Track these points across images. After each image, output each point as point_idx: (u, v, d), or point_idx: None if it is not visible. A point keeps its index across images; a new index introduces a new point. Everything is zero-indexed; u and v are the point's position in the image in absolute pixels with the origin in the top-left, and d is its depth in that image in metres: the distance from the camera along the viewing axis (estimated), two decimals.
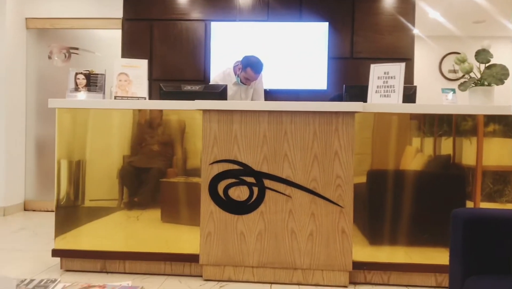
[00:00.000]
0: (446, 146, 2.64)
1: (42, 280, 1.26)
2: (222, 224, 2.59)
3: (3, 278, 0.89)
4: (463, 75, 3.25)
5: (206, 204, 2.61)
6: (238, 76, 3.86)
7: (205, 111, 2.64)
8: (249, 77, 3.80)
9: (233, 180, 2.60)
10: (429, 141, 2.67)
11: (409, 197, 2.59)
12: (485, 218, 1.42)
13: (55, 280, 1.27)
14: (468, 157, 2.63)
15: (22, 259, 2.99)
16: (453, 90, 3.17)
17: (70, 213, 2.79)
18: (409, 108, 2.64)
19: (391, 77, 2.73)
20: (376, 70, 2.78)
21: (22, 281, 1.23)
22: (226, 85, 3.12)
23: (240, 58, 3.85)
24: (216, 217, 2.60)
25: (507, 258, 1.42)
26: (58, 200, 2.79)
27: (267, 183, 2.58)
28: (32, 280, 1.24)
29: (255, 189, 2.58)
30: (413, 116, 2.64)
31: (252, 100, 4.01)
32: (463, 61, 2.85)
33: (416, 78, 4.82)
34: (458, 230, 1.41)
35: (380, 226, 2.60)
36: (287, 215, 2.56)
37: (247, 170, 2.59)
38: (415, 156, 2.72)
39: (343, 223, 2.53)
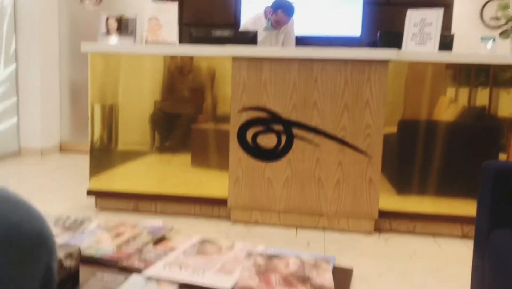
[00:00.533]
0: (481, 97, 2.57)
1: (77, 219, 1.32)
2: (249, 170, 2.64)
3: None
4: (506, 23, 3.09)
5: (235, 150, 2.64)
6: (268, 20, 3.78)
7: (234, 58, 2.62)
8: (280, 20, 3.71)
9: (261, 128, 2.61)
10: (464, 92, 2.59)
11: (440, 147, 2.56)
12: None
13: (90, 218, 1.33)
14: (504, 109, 2.55)
15: (58, 198, 3.14)
16: (493, 39, 3.03)
17: (104, 156, 2.89)
18: (445, 57, 2.55)
19: (428, 24, 2.63)
20: (413, 17, 2.68)
21: (59, 219, 1.30)
22: (257, 32, 3.07)
23: (271, 4, 3.76)
24: (244, 163, 2.64)
25: None
26: (92, 143, 2.88)
27: (296, 131, 2.58)
28: (68, 218, 1.30)
29: (283, 137, 2.59)
30: (449, 66, 2.56)
31: (282, 46, 3.94)
32: (506, 7, 2.70)
33: (455, 26, 4.62)
34: (488, 182, 1.40)
35: (409, 176, 2.60)
36: (314, 163, 2.58)
37: (275, 118, 2.59)
38: (449, 107, 2.66)
39: (371, 172, 2.54)
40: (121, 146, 2.89)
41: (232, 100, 2.63)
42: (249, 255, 1.13)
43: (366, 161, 2.53)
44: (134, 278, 0.99)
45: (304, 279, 1.00)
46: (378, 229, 2.62)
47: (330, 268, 1.07)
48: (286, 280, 1.00)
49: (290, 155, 2.59)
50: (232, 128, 2.64)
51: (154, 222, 1.34)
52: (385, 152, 2.57)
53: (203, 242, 1.21)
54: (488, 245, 1.36)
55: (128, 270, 1.03)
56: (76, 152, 4.69)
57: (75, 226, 1.27)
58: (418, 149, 2.57)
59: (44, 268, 0.48)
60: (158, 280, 0.98)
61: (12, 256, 0.44)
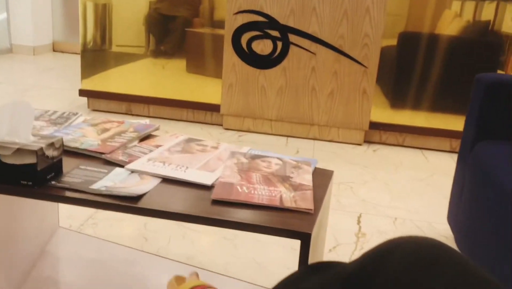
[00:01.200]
0: (487, 11, 2.47)
1: (64, 113, 1.32)
2: (243, 77, 2.60)
3: (24, 103, 0.93)
4: None
5: (229, 55, 2.59)
6: None
7: None
8: None
9: (257, 33, 2.53)
10: (470, 6, 2.49)
11: (438, 62, 2.51)
12: (510, 85, 1.38)
13: (77, 113, 1.33)
14: (508, 25, 2.47)
15: (51, 97, 3.13)
16: None
17: (97, 57, 2.83)
18: None
19: None
20: None
21: (46, 112, 1.29)
22: None
23: None
24: (238, 69, 2.59)
25: None
26: (84, 43, 2.81)
27: (292, 38, 2.51)
28: (55, 112, 1.30)
29: (279, 44, 2.53)
30: None
31: None
32: None
33: None
34: (479, 94, 1.38)
35: (404, 89, 2.58)
36: (309, 72, 2.54)
37: (272, 22, 2.51)
38: (453, 21, 2.57)
39: (365, 83, 2.51)
40: (115, 48, 2.83)
41: (228, 1, 2.52)
42: (232, 154, 1.14)
43: (361, 71, 2.50)
44: (118, 170, 1.01)
45: (284, 179, 1.02)
46: (368, 141, 2.65)
47: (310, 170, 1.08)
48: (266, 178, 1.02)
49: (285, 62, 2.55)
50: (227, 32, 2.56)
51: (141, 120, 1.34)
52: (383, 64, 2.53)
53: (188, 141, 1.22)
54: (471, 155, 1.38)
55: (111, 164, 1.04)
56: (69, 51, 4.59)
57: (61, 120, 1.27)
58: (417, 62, 2.53)
59: None
60: (141, 174, 1.00)
61: None
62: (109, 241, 1.49)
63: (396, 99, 2.62)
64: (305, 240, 0.82)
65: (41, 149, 0.89)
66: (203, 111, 2.78)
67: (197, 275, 0.91)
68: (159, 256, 1.45)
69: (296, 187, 0.98)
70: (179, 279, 0.91)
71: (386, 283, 0.42)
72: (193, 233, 1.59)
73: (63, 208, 1.66)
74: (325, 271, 0.56)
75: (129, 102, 2.83)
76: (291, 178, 1.03)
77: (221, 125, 2.74)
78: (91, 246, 1.46)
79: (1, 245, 1.12)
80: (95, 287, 1.25)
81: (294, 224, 0.85)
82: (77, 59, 2.90)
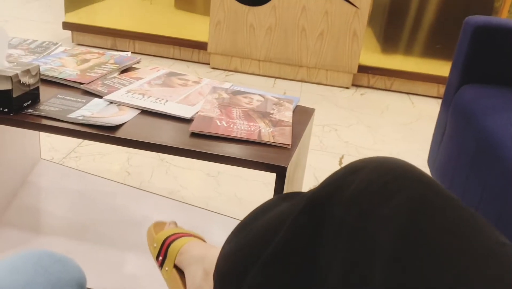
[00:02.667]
0: None
1: (44, 42, 1.28)
2: (232, 14, 2.53)
3: None
4: None
5: None
6: None
7: None
8: None
9: None
10: None
11: (433, 6, 2.46)
12: (499, 28, 1.36)
13: (57, 43, 1.29)
14: None
15: (34, 29, 3.04)
16: None
17: None
18: None
19: None
20: None
21: (25, 40, 1.26)
22: None
23: None
24: (227, 5, 2.52)
25: (510, 71, 1.40)
26: None
27: None
28: (34, 41, 1.26)
29: None
30: None
31: None
32: None
33: None
34: (466, 36, 1.36)
35: (396, 33, 2.54)
36: (299, 12, 2.48)
37: None
38: None
39: (356, 25, 2.46)
40: None
41: None
42: (214, 89, 1.13)
43: (352, 12, 2.44)
44: (96, 101, 0.99)
45: (264, 115, 1.02)
46: (355, 85, 2.64)
47: (291, 107, 1.08)
48: (246, 114, 1.01)
49: (275, 0, 2.48)
50: None
51: (122, 53, 1.31)
52: (376, 5, 2.47)
53: (170, 75, 1.20)
54: (454, 98, 1.38)
55: (90, 94, 1.03)
56: None
57: (40, 49, 1.24)
58: (410, 5, 2.47)
59: None
60: (119, 105, 0.99)
61: None
62: (92, 174, 1.50)
63: (387, 42, 2.59)
64: (281, 173, 0.83)
65: (16, 75, 0.87)
66: (190, 49, 2.73)
67: (175, 224, 0.92)
68: (142, 189, 1.46)
69: (276, 123, 0.98)
70: (158, 226, 0.92)
71: (346, 199, 0.42)
72: (176, 169, 1.61)
73: (45, 140, 1.65)
74: (295, 197, 0.57)
75: (114, 37, 2.76)
76: (271, 114, 1.03)
77: (208, 64, 2.70)
78: (73, 178, 1.47)
79: None
80: (76, 216, 1.27)
81: (271, 157, 0.85)
82: None
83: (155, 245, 0.85)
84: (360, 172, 0.43)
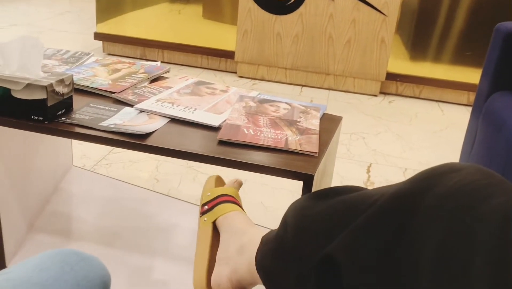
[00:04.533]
0: None
1: (76, 52, 1.32)
2: (259, 23, 2.55)
3: (32, 39, 0.94)
4: None
5: (245, 0, 2.53)
6: None
7: None
8: None
9: None
10: None
11: (462, 12, 2.42)
12: None
13: (89, 53, 1.33)
14: None
15: (66, 40, 3.13)
16: None
17: (113, 0, 2.79)
18: None
19: None
20: None
21: (58, 51, 1.30)
22: None
23: None
24: (254, 15, 2.54)
25: None
26: None
27: None
28: (67, 51, 1.30)
29: None
30: None
31: None
32: None
33: None
34: (497, 43, 1.34)
35: (424, 40, 2.51)
36: (326, 19, 2.48)
37: None
38: None
39: (384, 32, 2.45)
40: None
41: None
42: (241, 98, 1.14)
43: (380, 19, 2.43)
44: (127, 110, 1.02)
45: (291, 123, 1.02)
46: (383, 92, 2.62)
47: (318, 115, 1.08)
48: (273, 122, 1.02)
49: (302, 8, 2.49)
50: None
51: (152, 62, 1.34)
52: (404, 12, 2.45)
53: (198, 84, 1.22)
54: (485, 106, 1.35)
55: (121, 103, 1.05)
56: None
57: (73, 60, 1.28)
58: (438, 12, 2.44)
59: None
60: (149, 113, 1.01)
61: None
62: (122, 181, 1.53)
63: (415, 50, 2.56)
64: (307, 181, 0.83)
65: (51, 84, 0.90)
66: (218, 58, 2.76)
67: (239, 184, 0.94)
68: (170, 196, 1.48)
69: (303, 131, 0.99)
70: (219, 181, 0.94)
71: (444, 192, 0.42)
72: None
73: (77, 148, 1.69)
74: (337, 194, 0.56)
75: (143, 46, 2.82)
76: (298, 122, 1.03)
77: (235, 72, 2.73)
78: (103, 184, 1.50)
79: (16, 180, 1.15)
80: (106, 223, 1.30)
81: (298, 165, 0.86)
82: (93, 2, 2.87)
83: (208, 194, 0.88)
84: (460, 172, 0.44)
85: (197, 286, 0.77)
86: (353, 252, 0.45)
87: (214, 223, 0.84)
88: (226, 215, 0.83)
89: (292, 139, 0.94)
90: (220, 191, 0.88)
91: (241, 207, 0.88)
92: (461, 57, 2.51)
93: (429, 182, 0.44)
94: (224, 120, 1.00)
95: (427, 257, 0.39)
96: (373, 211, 0.46)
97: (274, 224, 1.38)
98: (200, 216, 0.87)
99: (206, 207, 0.86)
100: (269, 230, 0.71)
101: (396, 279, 0.41)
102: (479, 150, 1.35)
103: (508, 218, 0.38)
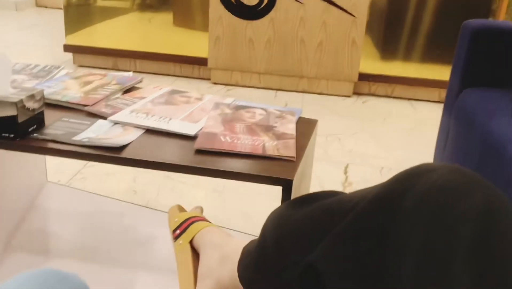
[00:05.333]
0: None
1: (46, 66, 1.30)
2: (231, 29, 2.56)
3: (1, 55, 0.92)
4: None
5: (215, 7, 2.53)
6: None
7: None
8: None
9: None
10: None
11: (430, 11, 2.47)
12: (497, 31, 1.37)
13: (59, 66, 1.31)
14: None
15: (35, 53, 3.07)
16: None
17: (81, 11, 2.76)
18: None
19: None
20: None
21: (27, 66, 1.27)
22: None
23: None
24: (225, 21, 2.54)
25: (510, 73, 1.41)
26: None
27: None
28: (36, 66, 1.28)
29: None
30: None
31: None
32: None
33: None
34: (465, 40, 1.37)
35: (394, 40, 2.55)
36: (297, 23, 2.50)
37: None
38: None
39: (355, 33, 2.48)
40: (99, 2, 2.76)
41: None
42: (216, 105, 1.14)
43: (350, 21, 2.46)
44: (100, 122, 1.00)
45: (267, 128, 1.02)
46: (356, 93, 2.65)
47: (294, 119, 1.08)
48: (249, 128, 1.02)
49: (272, 13, 2.50)
50: None
51: (125, 73, 1.33)
52: (373, 13, 2.49)
53: (172, 93, 1.21)
54: (456, 103, 1.38)
55: (94, 116, 1.04)
56: (53, 6, 4.46)
57: (43, 73, 1.25)
58: (406, 11, 2.49)
59: None
60: (124, 125, 1.00)
61: None
62: (99, 194, 1.50)
63: (386, 49, 2.60)
64: (287, 186, 0.83)
65: (21, 100, 0.88)
66: (191, 66, 2.75)
67: (201, 210, 0.92)
68: (149, 207, 1.47)
69: (279, 136, 0.99)
70: (182, 208, 0.93)
71: (421, 193, 0.42)
72: (182, 186, 1.61)
73: (51, 163, 1.66)
74: (315, 200, 0.56)
75: (115, 57, 2.79)
76: (275, 127, 1.03)
77: (209, 79, 2.72)
78: (80, 199, 1.48)
79: None
80: (85, 238, 1.27)
81: (276, 171, 0.86)
82: (61, 14, 2.82)
83: (176, 220, 0.86)
84: (437, 171, 0.44)
85: None
86: (334, 260, 0.45)
87: (190, 244, 0.82)
88: (201, 232, 0.81)
89: (269, 145, 0.94)
90: (186, 214, 0.87)
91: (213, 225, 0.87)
92: (431, 55, 2.56)
93: (406, 183, 0.45)
94: (200, 129, 1.00)
95: (409, 260, 0.40)
96: (352, 217, 0.46)
97: (255, 230, 1.38)
98: (174, 242, 0.85)
99: (178, 231, 0.84)
100: (250, 240, 0.71)
101: (379, 285, 0.41)
102: (453, 146, 1.37)
103: (486, 214, 0.39)
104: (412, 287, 0.39)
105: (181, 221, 0.85)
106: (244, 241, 0.73)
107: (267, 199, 1.56)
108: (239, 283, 0.66)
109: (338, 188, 1.65)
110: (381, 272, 0.42)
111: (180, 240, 0.83)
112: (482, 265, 0.37)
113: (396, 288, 0.40)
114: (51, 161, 1.67)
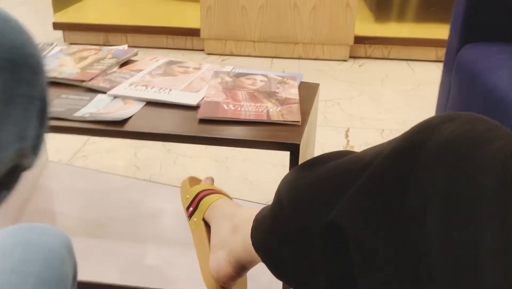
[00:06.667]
0: None
1: (39, 44, 1.26)
2: None
3: None
4: None
5: None
6: None
7: None
8: None
9: None
10: None
11: None
12: None
13: (52, 43, 1.28)
14: None
15: None
16: None
17: None
18: None
19: None
20: None
21: None
22: None
23: None
24: None
25: (509, 26, 1.39)
26: None
27: None
28: None
29: None
30: None
31: None
32: None
33: None
34: None
35: (388, 1, 2.51)
36: None
37: None
38: None
39: None
40: None
41: None
42: (216, 74, 1.12)
43: None
44: (100, 97, 0.99)
45: (270, 94, 1.01)
46: (353, 57, 2.62)
47: (296, 84, 1.07)
48: (252, 95, 1.00)
49: None
50: None
51: (119, 46, 1.30)
52: None
53: (169, 63, 1.19)
54: (456, 60, 1.37)
55: (93, 91, 1.02)
56: None
57: None
58: None
59: (39, 98, 0.39)
60: (124, 99, 0.98)
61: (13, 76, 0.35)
62: (101, 171, 1.50)
63: (380, 11, 2.56)
64: (294, 150, 0.83)
65: None
66: (183, 37, 2.70)
67: (212, 180, 0.92)
68: (152, 181, 1.46)
69: (283, 101, 0.98)
70: (193, 180, 0.93)
71: (441, 143, 0.42)
72: (184, 158, 1.60)
73: (50, 142, 1.64)
74: (327, 161, 0.55)
75: (106, 32, 2.74)
76: (277, 93, 1.02)
77: (203, 50, 2.68)
78: (83, 177, 1.47)
79: None
80: (91, 215, 1.27)
81: (283, 136, 0.85)
82: None
83: (187, 197, 0.86)
84: (454, 121, 0.43)
85: (209, 286, 0.76)
86: (357, 215, 0.45)
87: (203, 220, 0.83)
88: (211, 205, 0.81)
89: (274, 111, 0.93)
90: (197, 189, 0.87)
91: (225, 194, 0.87)
92: (426, 14, 2.52)
93: (424, 135, 0.44)
94: (202, 98, 0.98)
95: (433, 211, 0.39)
96: (371, 172, 0.45)
97: (261, 197, 1.38)
98: (189, 220, 0.85)
99: (191, 209, 0.84)
100: (260, 208, 0.71)
101: (404, 235, 0.41)
102: (455, 103, 1.37)
103: (508, 160, 0.38)
104: (439, 232, 0.38)
105: (192, 197, 0.85)
106: (255, 209, 0.73)
107: (270, 167, 1.56)
108: (253, 251, 0.66)
109: None
110: (406, 222, 0.41)
111: (194, 218, 0.83)
112: (506, 213, 0.36)
113: (421, 235, 0.40)
114: (51, 140, 1.65)
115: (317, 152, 1.61)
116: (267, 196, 1.39)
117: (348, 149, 1.69)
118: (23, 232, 0.51)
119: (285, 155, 0.85)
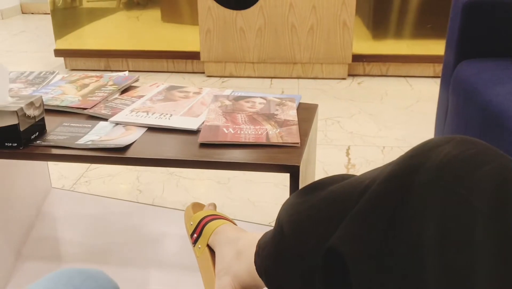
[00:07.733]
0: None
1: (41, 72, 1.29)
2: (221, 20, 2.54)
3: None
4: None
5: None
6: None
7: None
8: None
9: None
10: None
11: None
12: (489, 2, 1.37)
13: (54, 72, 1.30)
14: None
15: (27, 60, 3.05)
16: None
17: (68, 15, 2.74)
18: None
19: None
20: None
21: (22, 73, 1.27)
22: None
23: None
24: (215, 13, 2.53)
25: (506, 43, 1.40)
26: (53, 2, 2.71)
27: None
28: (31, 73, 1.27)
29: None
30: None
31: None
32: None
33: None
34: (457, 13, 1.37)
35: (385, 18, 2.54)
36: (287, 9, 2.49)
37: None
38: None
39: (345, 15, 2.47)
40: (86, 3, 2.73)
41: None
42: (216, 98, 1.13)
43: (340, 3, 2.45)
44: (101, 124, 1.00)
45: (269, 116, 1.02)
46: (352, 74, 2.64)
47: (295, 106, 1.08)
48: (251, 118, 1.02)
49: (261, 1, 2.48)
50: None
51: (120, 73, 1.32)
52: None
53: (170, 89, 1.21)
54: (453, 77, 1.38)
55: (95, 118, 1.03)
56: (39, 12, 4.43)
57: (39, 80, 1.25)
58: None
59: None
60: (125, 125, 1.00)
61: None
62: (104, 196, 1.51)
63: (377, 29, 2.59)
64: (294, 172, 0.84)
65: (21, 108, 0.88)
66: (183, 60, 2.74)
67: (214, 206, 0.93)
68: (155, 205, 1.47)
69: (282, 123, 0.99)
70: (196, 206, 0.93)
71: (435, 166, 0.43)
72: (186, 181, 1.61)
73: (54, 169, 1.66)
74: (327, 185, 0.56)
75: (107, 58, 2.77)
76: (276, 115, 1.03)
77: (203, 73, 2.71)
78: (86, 202, 1.48)
79: None
80: (95, 241, 1.28)
81: (282, 158, 0.86)
82: (48, 19, 2.80)
83: (191, 223, 0.87)
84: (448, 144, 0.44)
85: None
86: (355, 241, 0.45)
87: (208, 246, 0.83)
88: (215, 231, 0.82)
89: (273, 133, 0.94)
90: (200, 215, 0.87)
91: (228, 219, 0.88)
92: (423, 31, 2.55)
93: (419, 159, 0.45)
94: (202, 123, 1.00)
95: (429, 235, 0.40)
96: (369, 196, 0.46)
97: (263, 218, 1.38)
98: (194, 247, 0.86)
99: (195, 236, 0.85)
100: (263, 231, 0.71)
101: (402, 258, 0.41)
102: (453, 119, 1.38)
103: (501, 183, 0.39)
104: (436, 256, 0.39)
105: (196, 224, 0.86)
106: (258, 234, 0.73)
107: (272, 187, 1.57)
108: (257, 276, 0.66)
109: (341, 170, 1.66)
110: (403, 247, 0.42)
111: (198, 244, 0.84)
112: (501, 236, 0.37)
113: (418, 262, 0.40)
114: (53, 167, 1.67)
115: (318, 171, 1.62)
116: (269, 217, 1.39)
117: (349, 167, 1.70)
118: (73, 277, 0.51)
119: (286, 175, 0.86)
